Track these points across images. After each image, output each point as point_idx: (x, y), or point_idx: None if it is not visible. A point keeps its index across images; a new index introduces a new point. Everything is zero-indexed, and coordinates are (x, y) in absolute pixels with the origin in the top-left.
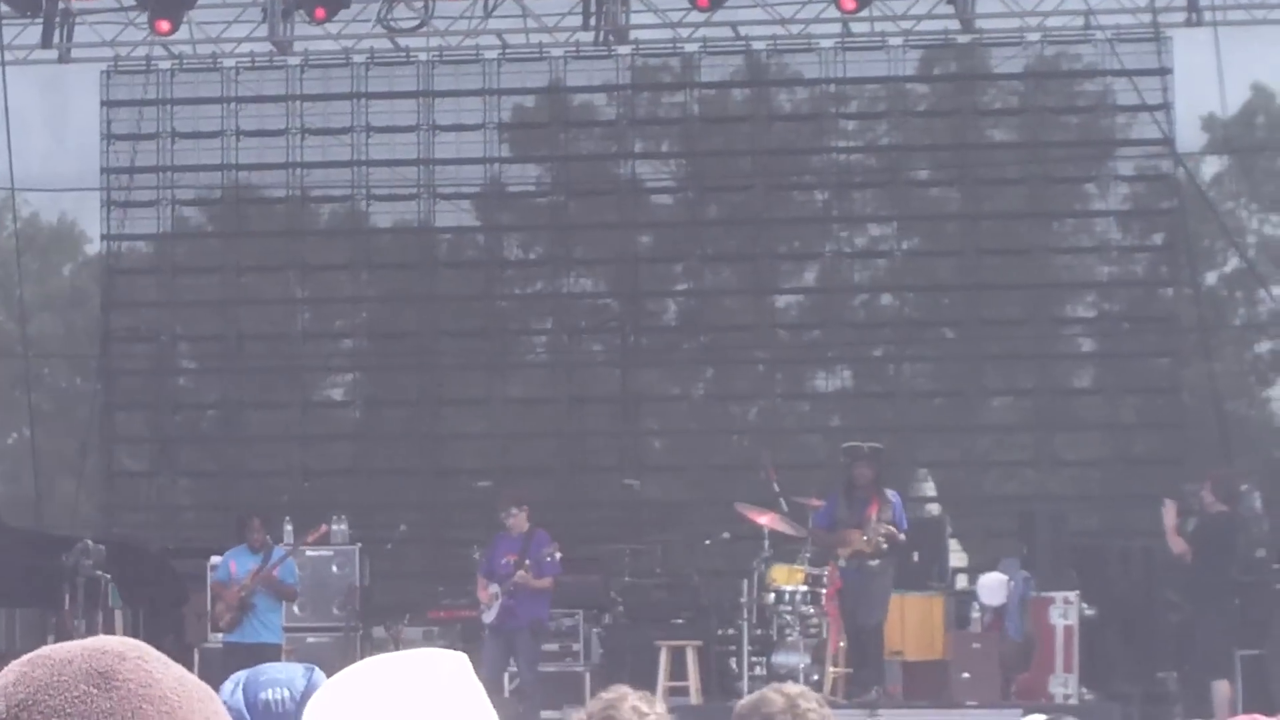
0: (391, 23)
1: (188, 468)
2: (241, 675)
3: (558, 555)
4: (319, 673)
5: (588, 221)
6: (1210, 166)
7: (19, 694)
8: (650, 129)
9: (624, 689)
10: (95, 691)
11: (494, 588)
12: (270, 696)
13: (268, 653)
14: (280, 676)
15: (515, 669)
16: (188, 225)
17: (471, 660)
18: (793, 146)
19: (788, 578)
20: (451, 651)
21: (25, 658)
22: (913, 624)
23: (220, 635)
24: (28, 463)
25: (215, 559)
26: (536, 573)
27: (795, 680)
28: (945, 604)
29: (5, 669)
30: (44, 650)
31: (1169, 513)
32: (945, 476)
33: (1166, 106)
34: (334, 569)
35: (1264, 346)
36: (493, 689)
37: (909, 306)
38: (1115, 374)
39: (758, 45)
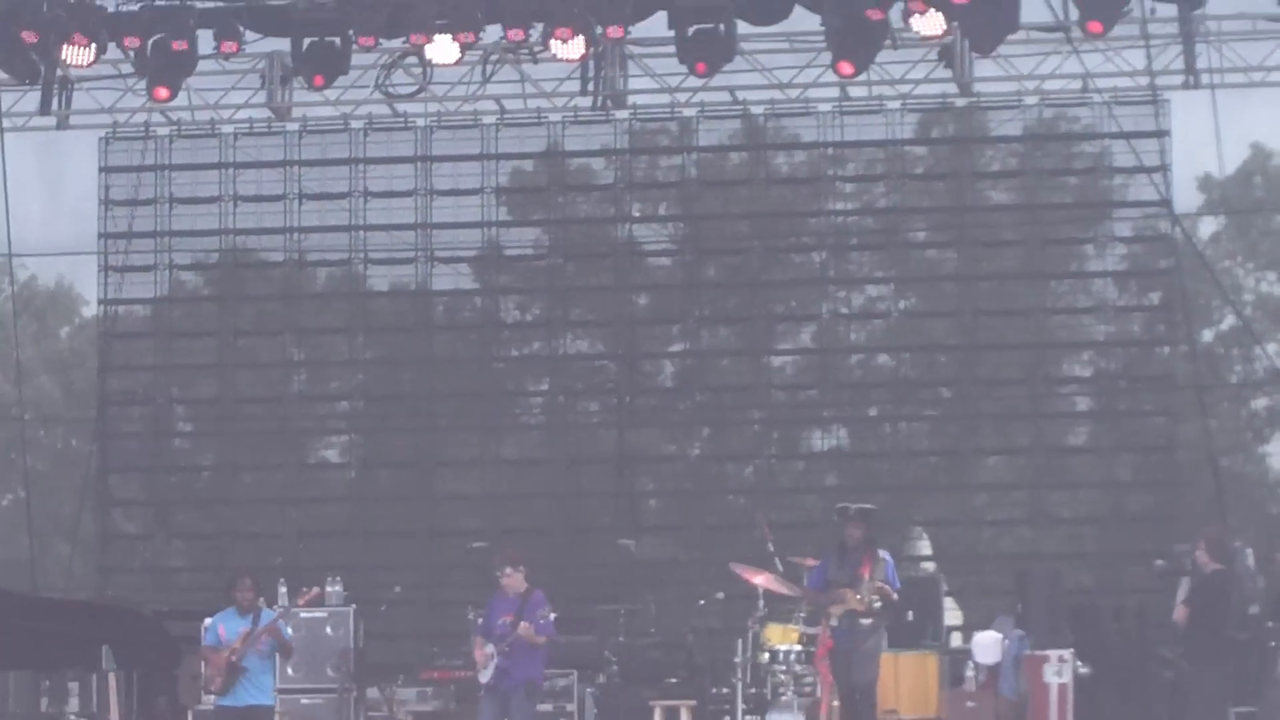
0: (390, 89)
1: (183, 530)
2: None
3: (551, 617)
4: None
5: (585, 284)
6: (1207, 226)
7: None
8: (648, 192)
9: None
10: None
11: (490, 647)
12: None
13: (260, 715)
14: None
15: None
16: (185, 289)
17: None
18: (790, 209)
19: (782, 637)
20: None
21: None
22: (907, 682)
23: (212, 698)
24: (23, 525)
25: (209, 621)
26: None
27: None
28: (939, 662)
29: None
30: None
31: (1184, 585)
32: (940, 535)
33: (1164, 168)
34: (328, 630)
35: (1260, 403)
36: None
37: (905, 366)
38: (1111, 432)
39: (755, 109)
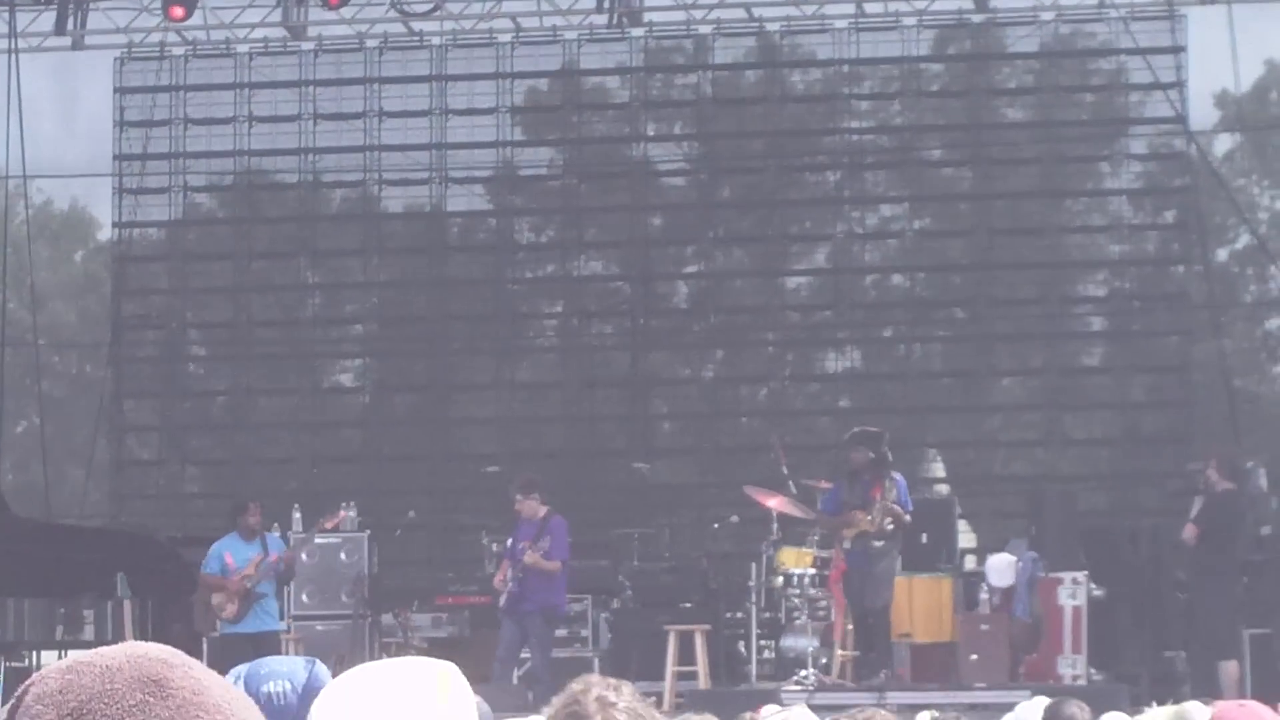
0: (405, 7)
1: (197, 455)
2: (242, 668)
3: (547, 544)
4: (320, 665)
5: (599, 204)
6: (1223, 144)
7: (70, 702)
8: (663, 111)
9: (591, 679)
10: (152, 700)
11: (510, 572)
12: (272, 689)
13: (271, 640)
14: (281, 669)
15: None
16: (199, 212)
17: (490, 645)
18: (805, 127)
19: (796, 561)
20: (444, 662)
21: (63, 664)
22: (921, 606)
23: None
24: (37, 451)
25: (213, 548)
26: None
27: (804, 664)
28: (953, 585)
29: (40, 675)
30: (83, 656)
31: (1197, 503)
32: (954, 457)
33: (1180, 84)
34: (342, 556)
35: (1274, 323)
36: (504, 673)
37: (920, 286)
38: (1125, 352)
39: (771, 27)
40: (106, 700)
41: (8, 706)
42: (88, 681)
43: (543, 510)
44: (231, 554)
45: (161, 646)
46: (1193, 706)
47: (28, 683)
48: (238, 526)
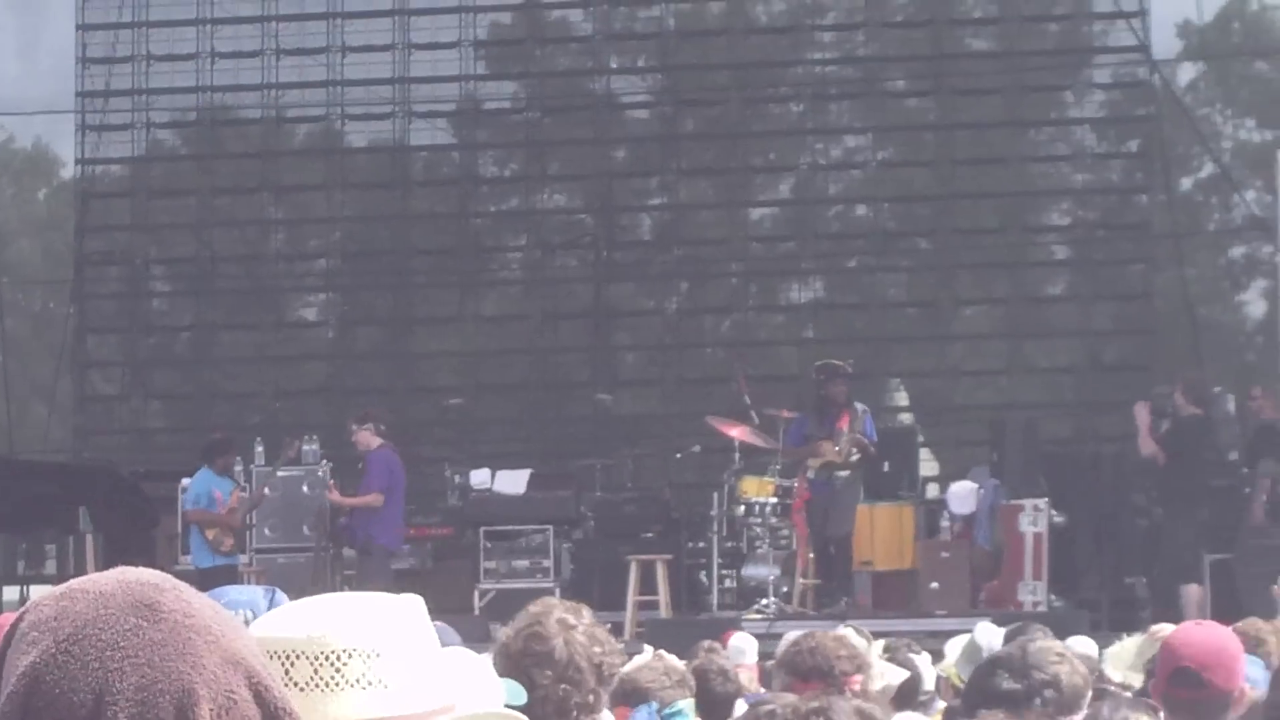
0: None
1: (160, 390)
2: None
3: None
4: (280, 594)
5: (563, 138)
6: (1186, 73)
7: (65, 628)
8: (626, 44)
9: (550, 601)
10: (145, 624)
11: None
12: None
13: (234, 571)
14: (242, 599)
15: None
16: (162, 148)
17: (453, 575)
18: (769, 59)
19: (758, 490)
20: (408, 595)
21: (57, 591)
22: (882, 534)
23: (190, 559)
24: None
25: (199, 486)
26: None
27: (765, 593)
28: (915, 513)
29: (35, 602)
30: (74, 583)
31: (1141, 412)
32: (917, 386)
33: (1142, 13)
34: (304, 489)
35: (1238, 251)
36: None
37: (883, 217)
38: (1088, 281)
39: None
40: (101, 625)
41: (2, 635)
42: (81, 608)
43: (376, 443)
44: (219, 489)
45: (152, 571)
46: (1161, 628)
47: (22, 610)
48: (214, 464)
